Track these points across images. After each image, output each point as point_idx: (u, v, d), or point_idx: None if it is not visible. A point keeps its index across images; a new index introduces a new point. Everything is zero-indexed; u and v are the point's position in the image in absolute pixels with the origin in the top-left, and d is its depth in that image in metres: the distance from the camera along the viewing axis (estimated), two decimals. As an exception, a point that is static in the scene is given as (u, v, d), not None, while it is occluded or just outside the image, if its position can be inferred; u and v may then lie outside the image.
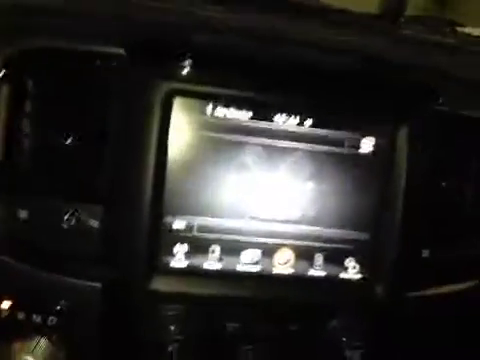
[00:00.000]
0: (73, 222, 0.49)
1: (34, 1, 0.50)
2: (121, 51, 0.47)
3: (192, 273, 0.50)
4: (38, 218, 0.49)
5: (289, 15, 0.52)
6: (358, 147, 0.51)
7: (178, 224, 0.49)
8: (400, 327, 0.53)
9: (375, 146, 0.51)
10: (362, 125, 0.51)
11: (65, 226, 0.49)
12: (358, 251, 0.52)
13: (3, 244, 0.48)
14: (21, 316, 0.49)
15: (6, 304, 0.49)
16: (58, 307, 0.49)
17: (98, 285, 0.49)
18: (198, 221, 0.50)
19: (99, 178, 0.49)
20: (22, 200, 0.49)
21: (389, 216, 0.52)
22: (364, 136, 0.51)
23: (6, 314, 0.48)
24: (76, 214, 0.49)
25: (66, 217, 0.49)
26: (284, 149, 0.50)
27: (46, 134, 0.49)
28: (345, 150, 0.51)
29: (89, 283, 0.49)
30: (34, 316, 0.49)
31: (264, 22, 0.53)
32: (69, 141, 0.49)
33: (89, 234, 0.49)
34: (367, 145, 0.51)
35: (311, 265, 0.52)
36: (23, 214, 0.49)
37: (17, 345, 0.48)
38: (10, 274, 0.49)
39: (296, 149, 0.50)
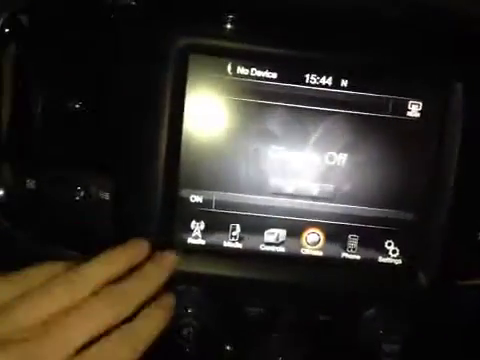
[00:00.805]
0: (83, 194, 0.45)
1: None
2: (132, 2, 0.42)
3: (210, 252, 0.45)
4: (46, 188, 0.45)
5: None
6: (403, 111, 0.44)
7: (195, 198, 0.44)
8: (447, 320, 0.47)
9: (423, 110, 0.44)
10: (409, 85, 0.44)
11: (75, 198, 0.45)
12: (399, 232, 0.46)
13: (11, 215, 0.45)
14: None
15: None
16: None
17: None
18: (217, 196, 0.44)
19: (110, 146, 0.45)
20: (30, 169, 0.46)
21: (439, 192, 0.45)
22: (410, 98, 0.44)
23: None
24: (86, 185, 0.45)
25: (75, 188, 0.45)
26: (315, 114, 0.44)
27: (54, 98, 0.45)
28: (387, 115, 0.44)
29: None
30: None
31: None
32: (78, 106, 0.45)
33: (100, 207, 0.45)
34: (414, 109, 0.44)
35: (344, 248, 0.46)
36: (31, 184, 0.46)
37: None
38: (19, 248, 0.46)
39: (329, 114, 0.44)
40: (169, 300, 0.34)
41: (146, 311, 0.32)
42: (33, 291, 0.28)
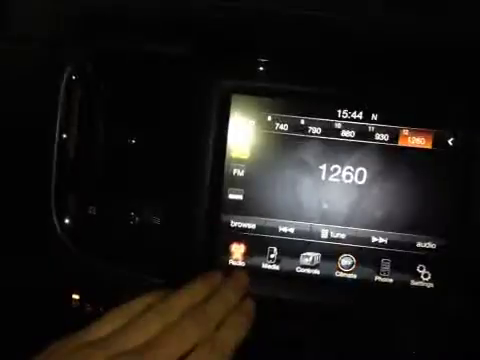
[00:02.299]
0: (137, 219, 0.50)
1: (105, 6, 0.52)
2: (183, 51, 0.48)
3: (249, 273, 0.48)
4: (105, 214, 0.51)
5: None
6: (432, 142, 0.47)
7: (235, 223, 0.49)
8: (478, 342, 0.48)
9: (452, 140, 0.47)
10: (436, 117, 0.47)
11: (130, 222, 0.50)
12: (431, 257, 0.48)
13: (74, 238, 0.51)
14: (89, 308, 0.51)
15: (76, 295, 0.51)
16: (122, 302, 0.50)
17: (160, 281, 0.49)
18: (256, 221, 0.48)
19: (162, 177, 0.50)
20: (91, 196, 0.51)
21: (469, 218, 0.47)
22: (439, 129, 0.47)
23: (76, 305, 0.51)
24: (140, 211, 0.50)
25: (130, 213, 0.50)
26: (347, 146, 0.47)
27: (113, 134, 0.51)
28: (416, 145, 0.47)
29: (152, 278, 0.50)
30: (100, 309, 0.51)
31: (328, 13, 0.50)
32: (134, 141, 0.51)
33: (152, 230, 0.50)
34: (442, 140, 0.47)
35: (377, 271, 0.48)
36: (92, 210, 0.51)
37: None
38: (80, 266, 0.52)
39: (361, 146, 0.47)
40: (249, 306, 0.39)
41: (230, 320, 0.37)
42: (133, 323, 0.34)
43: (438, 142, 0.47)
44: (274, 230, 0.48)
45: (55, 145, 0.50)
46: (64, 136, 0.50)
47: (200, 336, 0.34)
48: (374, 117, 0.47)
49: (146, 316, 0.35)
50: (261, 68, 0.46)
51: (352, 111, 0.47)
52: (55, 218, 0.50)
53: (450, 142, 0.47)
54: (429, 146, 0.47)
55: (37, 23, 0.52)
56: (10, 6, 0.52)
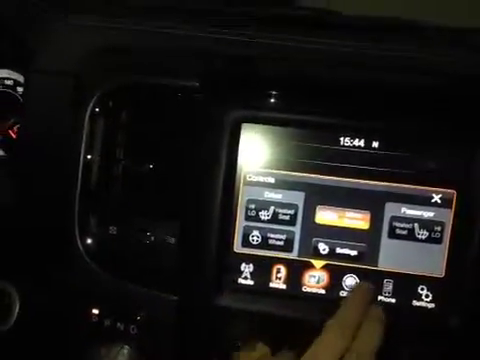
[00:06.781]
0: (153, 238, 0.54)
1: (126, 43, 0.56)
2: (196, 84, 0.52)
3: (257, 291, 0.51)
4: (124, 234, 0.55)
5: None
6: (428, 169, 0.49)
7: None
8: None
9: (447, 170, 0.49)
10: (433, 147, 0.49)
11: (146, 242, 0.54)
12: (432, 278, 0.50)
13: (96, 256, 0.55)
14: (107, 323, 0.54)
15: (96, 310, 0.55)
16: (139, 317, 0.53)
17: (174, 298, 0.52)
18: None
19: (176, 199, 0.53)
20: (112, 217, 0.55)
21: (467, 249, 0.49)
22: (438, 159, 0.49)
23: (95, 320, 0.54)
24: (155, 231, 0.54)
25: (146, 233, 0.54)
26: (350, 172, 0.50)
27: (132, 159, 0.55)
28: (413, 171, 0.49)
29: (166, 296, 0.53)
30: (118, 324, 0.54)
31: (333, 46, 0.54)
32: (151, 166, 0.55)
33: (166, 250, 0.53)
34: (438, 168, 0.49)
35: (380, 291, 0.50)
36: (112, 230, 0.55)
37: (102, 350, 0.53)
38: (100, 283, 0.55)
39: (363, 171, 0.50)
40: (379, 313, 0.42)
41: (366, 327, 0.40)
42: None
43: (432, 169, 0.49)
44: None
45: (79, 169, 0.53)
46: (88, 158, 0.54)
47: (344, 348, 0.38)
48: (375, 145, 0.50)
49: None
50: (268, 99, 0.50)
51: (354, 139, 0.50)
52: (78, 237, 0.54)
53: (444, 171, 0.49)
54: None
55: (62, 59, 0.57)
56: (40, 43, 0.57)
